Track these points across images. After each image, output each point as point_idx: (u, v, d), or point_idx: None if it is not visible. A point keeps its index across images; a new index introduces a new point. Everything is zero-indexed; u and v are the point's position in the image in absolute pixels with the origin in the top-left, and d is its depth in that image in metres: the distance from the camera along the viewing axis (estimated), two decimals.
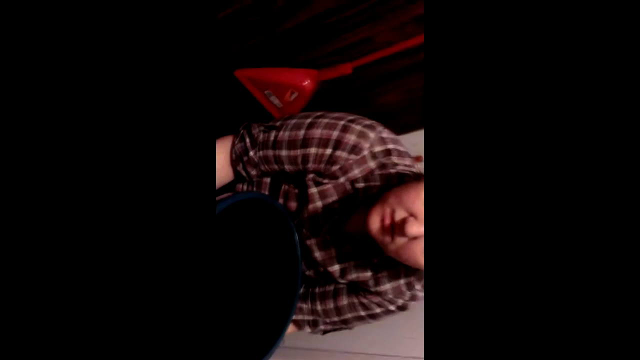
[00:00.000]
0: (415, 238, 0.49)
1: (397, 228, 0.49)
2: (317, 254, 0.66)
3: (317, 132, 0.59)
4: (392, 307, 0.65)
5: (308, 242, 0.66)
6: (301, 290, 0.72)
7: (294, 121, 0.62)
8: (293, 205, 0.65)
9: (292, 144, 0.60)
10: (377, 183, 0.60)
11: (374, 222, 0.51)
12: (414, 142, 1.29)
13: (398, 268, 0.62)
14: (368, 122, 0.61)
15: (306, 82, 0.99)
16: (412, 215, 0.49)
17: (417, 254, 0.50)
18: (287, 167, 0.62)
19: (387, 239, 0.51)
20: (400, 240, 0.50)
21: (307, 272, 0.70)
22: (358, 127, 0.59)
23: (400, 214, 0.49)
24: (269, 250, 0.65)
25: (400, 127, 1.37)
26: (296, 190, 0.65)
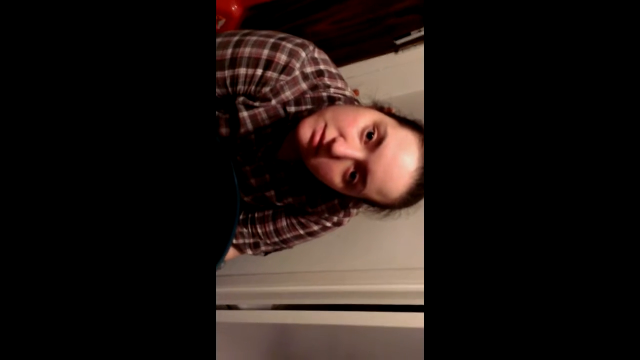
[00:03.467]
0: (338, 158, 0.50)
1: (324, 145, 0.50)
2: (253, 180, 0.66)
3: (246, 51, 0.57)
4: (328, 224, 0.69)
5: (243, 168, 0.65)
6: (241, 216, 0.73)
7: (219, 40, 0.59)
8: (224, 131, 0.64)
9: (219, 65, 0.58)
10: (309, 106, 0.60)
11: (305, 132, 0.51)
12: (351, 74, 1.29)
13: (331, 189, 0.65)
14: (299, 40, 0.59)
15: (234, 7, 0.93)
16: (342, 135, 0.50)
17: (334, 172, 0.51)
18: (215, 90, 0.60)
19: (312, 151, 0.51)
20: (323, 156, 0.51)
21: (246, 199, 0.71)
22: (289, 45, 0.57)
23: (331, 132, 0.50)
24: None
25: (336, 60, 1.36)
26: (226, 115, 0.63)
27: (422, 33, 1.10)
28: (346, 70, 1.28)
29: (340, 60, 1.29)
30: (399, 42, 1.15)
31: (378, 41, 1.19)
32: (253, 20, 1.05)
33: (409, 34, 1.12)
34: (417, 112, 0.57)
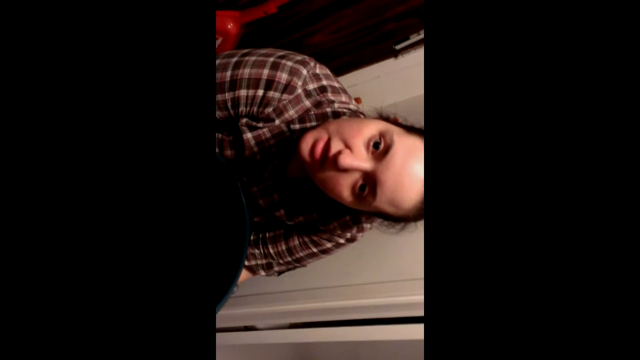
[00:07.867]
0: (345, 171, 0.48)
1: (330, 158, 0.48)
2: (261, 201, 0.65)
3: (246, 72, 0.56)
4: (342, 240, 0.67)
5: (251, 189, 0.64)
6: (252, 237, 0.71)
7: (217, 61, 0.58)
8: (229, 153, 0.63)
9: (219, 88, 0.57)
10: (314, 123, 0.59)
11: (307, 143, 0.49)
12: (352, 83, 1.28)
13: (342, 205, 0.63)
14: (299, 57, 0.58)
15: (230, 25, 0.93)
16: (348, 147, 0.48)
17: (343, 186, 0.49)
18: (216, 113, 0.59)
19: (316, 164, 0.49)
20: (329, 170, 0.49)
21: (256, 219, 0.69)
22: (290, 64, 0.56)
23: (336, 145, 0.48)
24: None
25: (336, 70, 1.35)
26: (230, 138, 0.62)
27: (422, 36, 1.09)
28: (347, 79, 1.27)
29: (341, 69, 1.28)
30: (398, 47, 1.14)
31: (377, 47, 1.18)
32: (250, 37, 1.05)
33: (408, 38, 1.11)
34: (421, 116, 0.55)
